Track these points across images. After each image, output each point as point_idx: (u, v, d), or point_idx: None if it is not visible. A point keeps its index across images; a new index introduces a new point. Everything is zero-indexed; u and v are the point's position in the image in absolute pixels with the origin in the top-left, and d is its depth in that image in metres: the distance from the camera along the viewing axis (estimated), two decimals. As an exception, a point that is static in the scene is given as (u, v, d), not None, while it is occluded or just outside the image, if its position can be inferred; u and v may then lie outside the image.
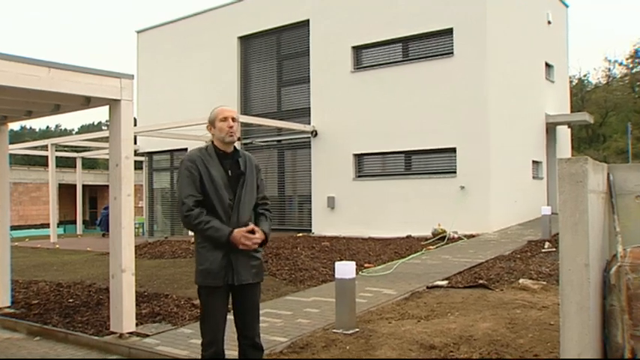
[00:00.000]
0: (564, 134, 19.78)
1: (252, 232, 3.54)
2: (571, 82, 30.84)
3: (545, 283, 7.13)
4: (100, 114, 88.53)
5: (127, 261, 5.69)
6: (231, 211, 3.54)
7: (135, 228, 7.49)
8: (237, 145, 3.76)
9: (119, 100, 5.78)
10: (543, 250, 10.02)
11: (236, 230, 3.48)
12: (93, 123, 66.17)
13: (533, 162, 16.65)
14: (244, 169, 3.65)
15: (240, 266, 3.54)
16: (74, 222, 24.40)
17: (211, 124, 3.66)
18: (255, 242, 3.52)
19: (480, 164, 13.62)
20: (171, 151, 20.19)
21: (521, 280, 7.22)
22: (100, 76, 5.64)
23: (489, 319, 5.50)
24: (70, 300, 7.40)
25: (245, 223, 3.56)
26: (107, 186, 7.81)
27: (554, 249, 9.87)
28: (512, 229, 13.60)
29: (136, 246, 6.08)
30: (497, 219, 13.70)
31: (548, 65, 18.32)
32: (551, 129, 18.16)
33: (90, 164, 39.14)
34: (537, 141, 17.09)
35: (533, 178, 16.61)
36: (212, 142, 3.69)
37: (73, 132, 60.82)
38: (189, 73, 19.43)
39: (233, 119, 3.62)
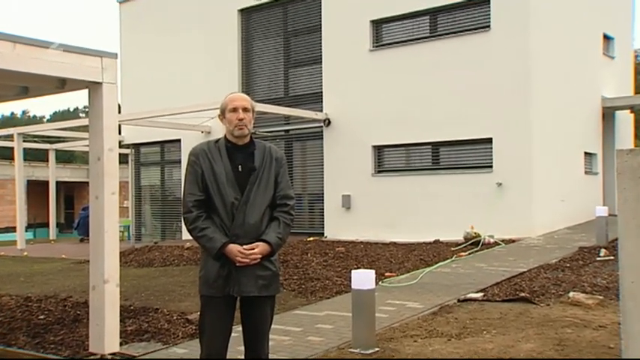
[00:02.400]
0: (625, 120, 19.55)
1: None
2: (636, 57, 30.23)
3: (601, 297, 7.06)
4: (76, 99, 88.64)
5: (110, 270, 5.71)
6: (236, 212, 3.58)
7: (119, 232, 7.51)
8: None
9: (100, 83, 5.78)
10: (598, 259, 9.94)
11: (231, 245, 3.52)
12: (68, 109, 66.84)
13: (586, 154, 16.53)
14: (259, 163, 3.67)
15: (243, 276, 3.57)
16: (46, 225, 24.65)
17: (222, 113, 3.73)
18: (254, 258, 3.54)
19: (520, 157, 13.54)
20: (161, 143, 20.30)
21: (571, 294, 7.15)
22: (77, 54, 5.63)
23: (533, 339, 5.46)
24: (41, 317, 7.39)
25: (254, 225, 3.59)
26: (86, 183, 7.83)
27: (612, 257, 9.80)
28: (560, 234, 13.52)
29: (120, 252, 6.10)
30: (542, 221, 13.61)
31: (606, 37, 18.11)
32: (608, 114, 17.99)
33: (65, 158, 39.48)
34: (591, 129, 16.94)
35: (586, 173, 16.48)
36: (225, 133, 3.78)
37: (44, 119, 61.42)
38: (181, 51, 19.43)
39: (244, 109, 3.66)
